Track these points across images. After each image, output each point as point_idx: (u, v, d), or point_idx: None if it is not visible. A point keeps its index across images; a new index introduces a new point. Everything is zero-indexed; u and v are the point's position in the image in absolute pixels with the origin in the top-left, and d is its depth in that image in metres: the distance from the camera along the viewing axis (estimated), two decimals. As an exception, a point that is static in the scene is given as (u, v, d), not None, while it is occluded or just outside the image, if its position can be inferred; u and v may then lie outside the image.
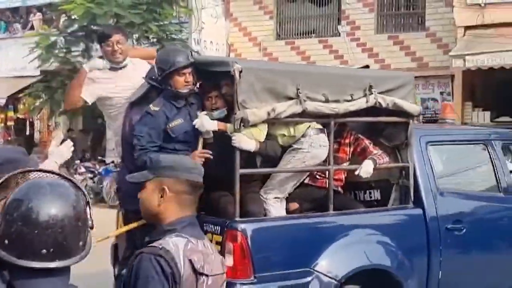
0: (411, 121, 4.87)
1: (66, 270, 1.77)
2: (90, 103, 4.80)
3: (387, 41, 14.38)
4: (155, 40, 14.36)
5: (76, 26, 14.45)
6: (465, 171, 5.57)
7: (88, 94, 4.71)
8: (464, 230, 4.96)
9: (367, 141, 4.83)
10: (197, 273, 2.17)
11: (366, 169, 4.60)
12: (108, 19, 14.01)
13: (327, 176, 4.66)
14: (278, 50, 15.36)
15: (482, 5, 12.47)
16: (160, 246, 2.15)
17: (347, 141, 4.89)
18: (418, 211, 4.82)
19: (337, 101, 4.46)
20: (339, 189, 4.87)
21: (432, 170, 4.97)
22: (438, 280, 4.83)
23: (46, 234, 1.68)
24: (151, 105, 4.33)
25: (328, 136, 4.53)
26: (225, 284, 2.34)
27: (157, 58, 4.50)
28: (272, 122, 4.31)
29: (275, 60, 14.39)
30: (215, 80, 4.40)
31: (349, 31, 14.68)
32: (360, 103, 4.57)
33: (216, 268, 2.25)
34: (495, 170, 5.36)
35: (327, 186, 4.62)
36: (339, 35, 14.74)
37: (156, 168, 2.31)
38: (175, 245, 2.16)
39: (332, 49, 14.78)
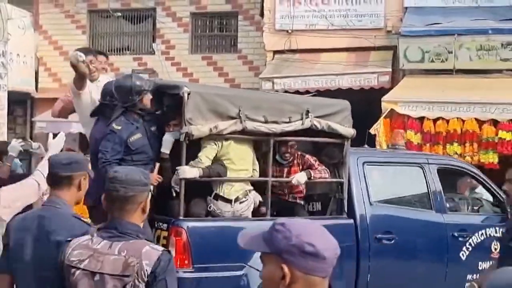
0: (346, 142, 5.56)
1: None
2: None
3: (201, 61, 14.76)
4: (-48, 49, 13.31)
5: None
6: (400, 189, 6.28)
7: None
8: (394, 240, 5.63)
9: (312, 159, 5.54)
10: (68, 264, 2.58)
11: (297, 179, 5.36)
12: None
13: (285, 191, 5.55)
14: (90, 65, 14.99)
15: (289, 31, 13.23)
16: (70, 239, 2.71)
17: (295, 161, 5.57)
18: (350, 221, 5.49)
19: (275, 122, 5.17)
20: (297, 200, 5.59)
21: (367, 187, 5.66)
22: (366, 282, 5.46)
23: None
24: (114, 124, 4.91)
25: (268, 152, 5.24)
26: (126, 285, 2.54)
27: (133, 82, 5.00)
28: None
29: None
30: (169, 101, 5.05)
31: (164, 49, 14.80)
32: (296, 125, 5.29)
33: (106, 267, 2.53)
34: (429, 190, 6.09)
35: (287, 197, 5.49)
36: (154, 53, 14.79)
37: None
38: (78, 239, 2.65)
39: (147, 67, 14.78)
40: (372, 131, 10.84)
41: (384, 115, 11.21)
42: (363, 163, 5.76)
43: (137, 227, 2.65)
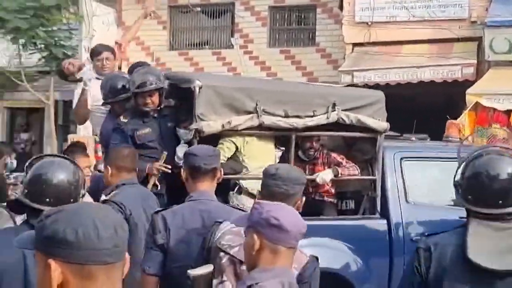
0: (378, 136, 5.19)
1: None
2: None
3: (279, 55, 14.68)
4: (42, 46, 13.86)
5: (-44, 29, 13.69)
6: (441, 187, 5.69)
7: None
8: None
9: (339, 157, 5.23)
10: (218, 247, 2.68)
11: (322, 177, 5.06)
12: (-9, 23, 13.37)
13: (311, 190, 5.22)
14: (171, 60, 15.25)
15: (369, 23, 12.99)
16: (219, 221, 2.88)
17: (320, 161, 5.27)
18: (383, 221, 5.18)
19: (298, 116, 4.86)
20: (324, 198, 5.30)
21: (404, 184, 5.28)
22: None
23: (50, 190, 2.71)
24: (121, 117, 4.86)
25: (290, 148, 4.98)
26: None
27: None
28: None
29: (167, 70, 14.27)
30: (182, 95, 4.81)
31: (242, 43, 14.84)
32: (320, 119, 4.95)
33: None
34: None
35: (313, 196, 5.21)
36: (232, 48, 14.86)
37: None
38: (230, 224, 2.75)
39: (226, 61, 14.88)
40: (456, 125, 10.51)
41: (469, 108, 10.87)
42: (401, 159, 5.37)
43: None
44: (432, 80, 12.02)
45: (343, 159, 5.24)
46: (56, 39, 14.01)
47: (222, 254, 2.62)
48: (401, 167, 5.34)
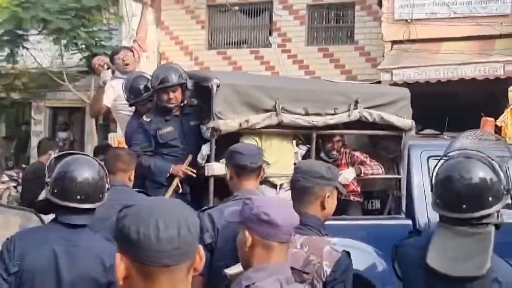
0: (403, 134, 5.07)
1: (91, 211, 2.82)
2: (110, 106, 5.70)
3: (317, 53, 14.60)
4: (83, 46, 14.08)
5: (0, 30, 14.01)
6: None
7: (107, 99, 5.64)
8: None
9: (362, 156, 5.14)
10: None
11: (344, 176, 4.89)
12: (34, 24, 13.63)
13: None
14: (209, 59, 15.31)
15: (409, 20, 12.82)
16: None
17: (343, 161, 5.19)
18: (407, 221, 5.02)
19: (318, 114, 4.76)
20: (350, 197, 5.16)
21: (431, 184, 5.04)
22: None
23: (79, 187, 2.77)
24: (144, 116, 4.87)
25: (311, 147, 4.86)
26: (304, 282, 2.64)
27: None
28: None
29: (205, 69, 14.33)
30: (203, 93, 4.76)
31: (280, 42, 14.81)
32: (341, 117, 4.84)
33: (288, 258, 2.68)
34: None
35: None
36: (271, 46, 14.84)
37: None
38: None
39: (264, 60, 14.86)
40: (498, 123, 10.24)
41: (511, 107, 10.60)
42: (428, 158, 5.15)
43: (318, 221, 2.74)
44: (473, 78, 11.77)
45: (366, 157, 5.13)
46: (97, 39, 14.23)
47: None
48: (428, 166, 5.13)
